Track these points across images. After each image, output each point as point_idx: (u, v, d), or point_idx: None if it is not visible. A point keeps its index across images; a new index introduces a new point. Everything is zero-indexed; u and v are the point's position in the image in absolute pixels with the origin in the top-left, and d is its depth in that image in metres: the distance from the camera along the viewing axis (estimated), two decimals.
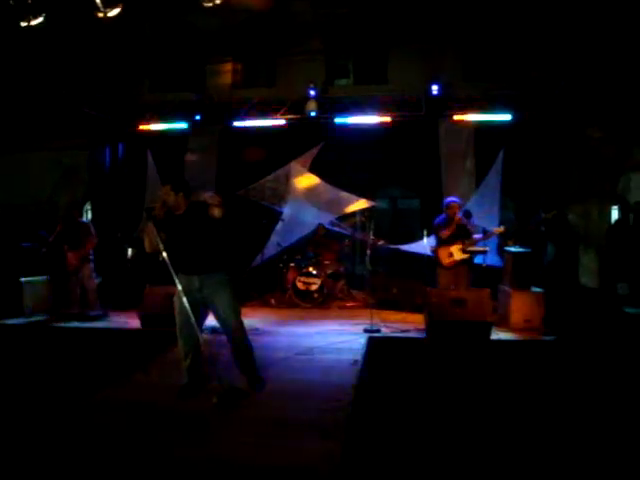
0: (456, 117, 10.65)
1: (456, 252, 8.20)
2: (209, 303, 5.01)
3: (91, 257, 9.02)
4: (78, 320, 8.71)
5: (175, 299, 4.94)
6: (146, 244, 4.91)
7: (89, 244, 8.87)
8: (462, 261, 8.23)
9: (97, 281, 9.04)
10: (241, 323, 5.12)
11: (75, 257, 8.84)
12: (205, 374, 5.07)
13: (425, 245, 8.86)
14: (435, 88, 10.48)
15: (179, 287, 4.79)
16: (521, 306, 8.13)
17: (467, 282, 8.29)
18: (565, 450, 3.86)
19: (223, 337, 5.23)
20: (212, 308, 5.04)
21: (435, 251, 8.45)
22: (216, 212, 4.85)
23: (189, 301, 4.76)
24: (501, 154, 10.40)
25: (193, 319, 4.74)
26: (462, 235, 8.24)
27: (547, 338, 7.52)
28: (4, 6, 7.09)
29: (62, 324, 8.59)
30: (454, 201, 8.51)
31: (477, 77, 11.11)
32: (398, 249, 10.19)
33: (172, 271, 4.74)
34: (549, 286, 8.15)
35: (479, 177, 10.64)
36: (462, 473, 3.48)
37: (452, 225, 8.23)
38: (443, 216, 8.42)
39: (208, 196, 4.94)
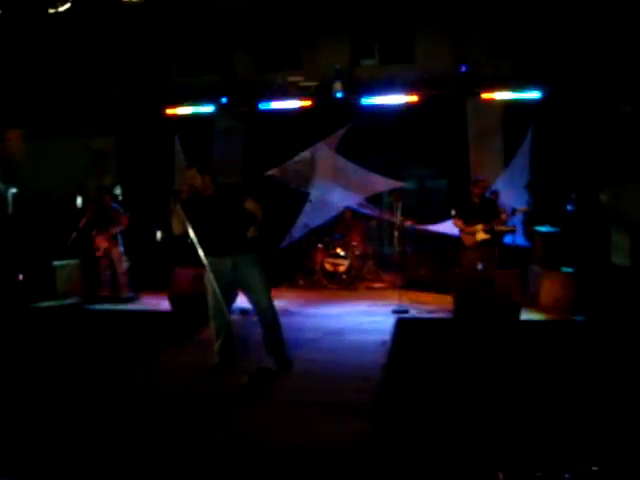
0: (484, 95, 10.50)
1: (478, 232, 8.11)
2: (241, 283, 5.06)
3: (120, 240, 9.14)
4: (109, 302, 8.85)
5: (206, 281, 4.99)
6: (174, 227, 4.96)
7: (116, 225, 8.98)
8: (487, 241, 8.13)
9: (127, 265, 9.14)
10: (272, 302, 5.18)
11: (103, 239, 8.95)
12: (236, 355, 5.13)
13: (452, 225, 8.81)
14: (462, 66, 10.35)
15: (208, 269, 4.84)
16: (551, 286, 8.05)
17: (494, 262, 8.20)
18: (595, 431, 3.84)
19: (252, 319, 5.27)
20: (244, 287, 5.10)
21: (460, 231, 8.39)
22: (252, 206, 4.98)
23: (220, 283, 4.83)
24: (530, 132, 10.23)
25: (224, 301, 4.81)
26: (488, 214, 8.14)
27: (577, 318, 7.44)
28: None
29: (94, 306, 8.76)
30: (479, 179, 8.47)
31: (505, 54, 10.88)
32: (426, 229, 10.14)
33: (201, 253, 4.79)
34: (580, 266, 8.05)
35: (507, 156, 10.48)
36: (489, 453, 3.48)
37: (470, 209, 8.17)
38: (464, 202, 8.39)
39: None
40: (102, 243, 8.95)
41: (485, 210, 8.15)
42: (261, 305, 5.12)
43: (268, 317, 5.17)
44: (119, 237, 9.12)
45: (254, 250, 5.07)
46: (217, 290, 4.81)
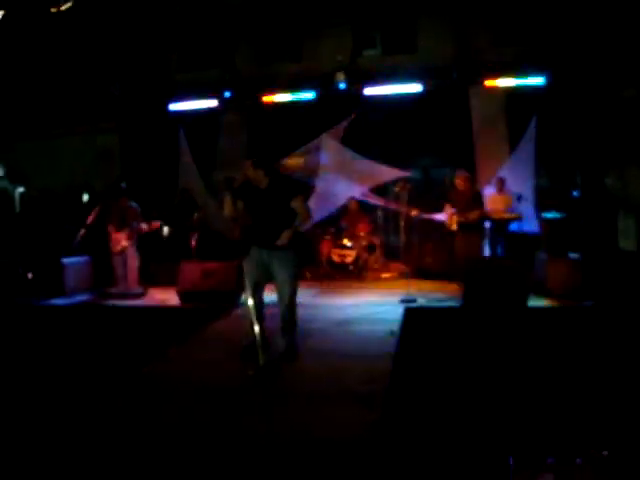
0: (487, 83, 10.47)
1: (453, 223, 8.37)
2: (271, 274, 5.27)
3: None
4: (119, 298, 8.89)
5: (245, 265, 5.31)
6: (226, 211, 5.27)
7: (138, 224, 9.00)
8: (468, 227, 8.21)
9: (138, 262, 9.17)
10: (294, 299, 5.36)
11: (123, 238, 8.95)
12: (268, 341, 5.22)
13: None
14: (465, 54, 10.34)
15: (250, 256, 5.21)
16: (558, 272, 8.05)
17: (477, 249, 8.33)
18: (605, 415, 3.85)
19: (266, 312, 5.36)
20: (273, 279, 5.31)
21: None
22: (298, 206, 5.20)
23: (255, 270, 5.21)
24: (534, 119, 10.19)
25: (255, 286, 5.19)
26: (465, 206, 8.23)
27: (585, 304, 7.44)
28: None
29: (104, 302, 8.79)
30: (459, 172, 8.54)
31: (508, 41, 10.81)
32: (431, 218, 10.14)
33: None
34: (587, 251, 8.04)
35: (512, 144, 10.46)
36: (500, 439, 3.50)
37: (453, 198, 8.39)
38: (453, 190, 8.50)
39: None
40: (122, 241, 8.98)
41: (464, 201, 8.23)
42: (283, 298, 5.29)
43: (286, 311, 5.33)
44: (136, 236, 9.14)
45: (292, 248, 5.20)
46: (255, 277, 5.18)
